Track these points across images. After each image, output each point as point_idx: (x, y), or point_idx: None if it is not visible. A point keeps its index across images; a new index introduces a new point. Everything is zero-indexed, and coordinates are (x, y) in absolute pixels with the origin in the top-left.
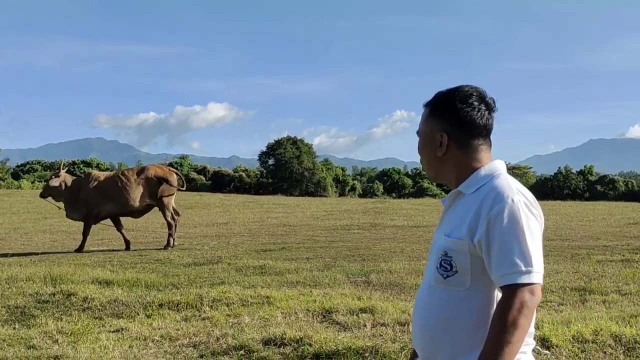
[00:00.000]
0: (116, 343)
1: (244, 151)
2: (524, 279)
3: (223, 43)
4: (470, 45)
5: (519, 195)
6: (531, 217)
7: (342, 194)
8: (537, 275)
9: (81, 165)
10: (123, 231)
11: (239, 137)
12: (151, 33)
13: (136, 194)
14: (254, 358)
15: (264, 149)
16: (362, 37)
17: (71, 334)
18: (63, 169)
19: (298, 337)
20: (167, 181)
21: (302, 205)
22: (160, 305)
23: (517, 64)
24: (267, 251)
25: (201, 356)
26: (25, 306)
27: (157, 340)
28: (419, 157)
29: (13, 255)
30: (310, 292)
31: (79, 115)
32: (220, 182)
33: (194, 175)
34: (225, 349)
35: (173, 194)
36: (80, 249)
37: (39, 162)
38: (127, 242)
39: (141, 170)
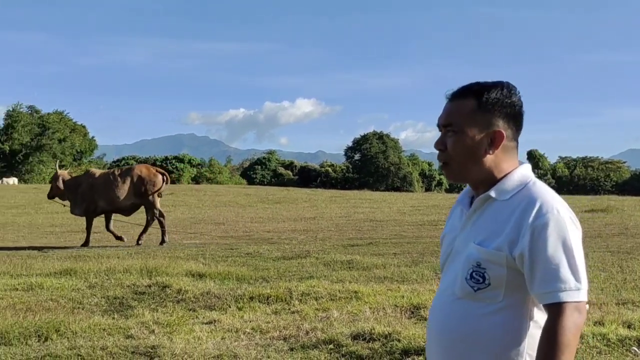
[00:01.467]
0: (209, 334)
1: (330, 146)
2: (574, 297)
3: (310, 39)
4: (555, 37)
5: (563, 206)
6: (575, 230)
7: (428, 189)
8: (584, 292)
9: (173, 161)
10: (111, 228)
11: (326, 133)
12: (240, 30)
13: (122, 192)
14: (343, 352)
15: (350, 144)
16: (446, 30)
17: (166, 324)
18: (59, 168)
19: (386, 332)
20: (152, 181)
21: (389, 200)
22: (251, 298)
23: (609, 55)
24: (354, 246)
25: (291, 349)
26: (123, 297)
27: (249, 333)
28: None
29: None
30: (398, 287)
31: (171, 112)
32: (307, 177)
33: (281, 170)
34: (314, 343)
35: (158, 193)
36: (86, 244)
37: (133, 158)
38: (119, 238)
39: (128, 170)
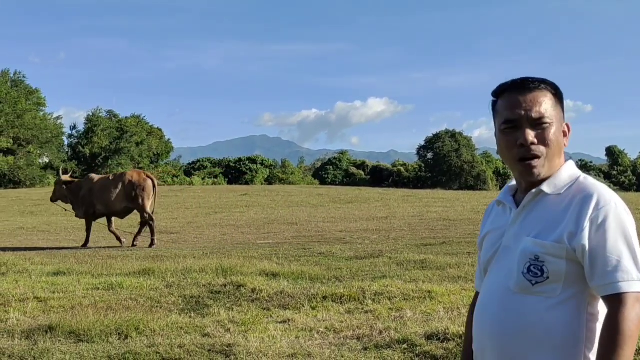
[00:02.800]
0: (283, 333)
1: (402, 145)
2: (636, 287)
3: (382, 38)
4: (637, 30)
5: (618, 199)
6: (633, 222)
7: (503, 187)
8: None
9: (247, 162)
10: (113, 229)
11: (397, 132)
12: (312, 31)
13: (116, 196)
14: (417, 352)
15: (422, 142)
16: (522, 25)
17: (242, 323)
18: (63, 174)
19: (461, 332)
20: (142, 186)
21: (462, 199)
22: (324, 297)
23: None
24: (427, 245)
25: (365, 349)
26: (199, 296)
27: (322, 332)
28: (537, 148)
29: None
30: (473, 287)
31: (245, 114)
32: (379, 176)
33: (353, 170)
34: (388, 343)
35: (150, 195)
36: (85, 244)
37: (208, 160)
38: (119, 239)
39: (120, 175)
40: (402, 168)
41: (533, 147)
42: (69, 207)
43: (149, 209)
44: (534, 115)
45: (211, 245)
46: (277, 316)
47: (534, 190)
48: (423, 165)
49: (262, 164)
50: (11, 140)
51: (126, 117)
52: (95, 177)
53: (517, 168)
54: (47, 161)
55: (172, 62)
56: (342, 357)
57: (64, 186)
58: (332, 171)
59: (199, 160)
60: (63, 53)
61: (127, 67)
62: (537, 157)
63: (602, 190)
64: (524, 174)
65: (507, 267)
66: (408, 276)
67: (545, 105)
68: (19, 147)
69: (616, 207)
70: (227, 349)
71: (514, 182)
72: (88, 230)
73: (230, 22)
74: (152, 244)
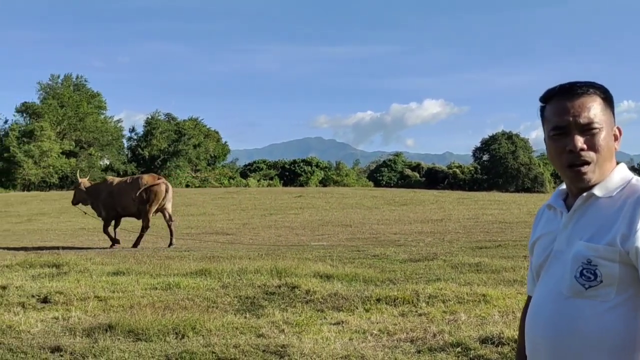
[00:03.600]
0: (337, 335)
1: (458, 147)
2: None
3: (436, 39)
4: None
5: None
6: None
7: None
8: None
9: (302, 164)
10: (117, 229)
11: (453, 133)
12: (367, 34)
13: (131, 198)
14: (471, 356)
15: (478, 144)
16: (581, 23)
17: (296, 324)
18: (80, 177)
19: (516, 336)
20: (154, 190)
21: (519, 201)
22: (378, 299)
23: None
24: (482, 248)
25: (418, 351)
26: (254, 297)
27: (376, 334)
28: (583, 153)
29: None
30: None
31: (300, 116)
32: (434, 178)
33: (408, 172)
34: (442, 346)
35: (159, 200)
36: (115, 243)
37: (264, 162)
38: (117, 240)
39: (136, 179)
40: (457, 170)
41: (583, 153)
42: (89, 209)
43: (151, 214)
44: (583, 120)
45: (266, 247)
46: (331, 318)
47: (585, 194)
48: (479, 167)
49: (316, 165)
50: (73, 143)
51: (184, 120)
52: (114, 180)
53: (567, 174)
54: (108, 163)
55: (229, 65)
56: (396, 359)
57: (84, 190)
58: (387, 173)
59: (254, 162)
60: (125, 57)
61: (185, 70)
62: (587, 163)
63: None
64: (574, 180)
65: (559, 272)
66: (462, 279)
67: (594, 110)
68: (81, 149)
69: None
70: (281, 349)
71: (564, 186)
72: (107, 231)
73: (286, 24)
74: (135, 244)
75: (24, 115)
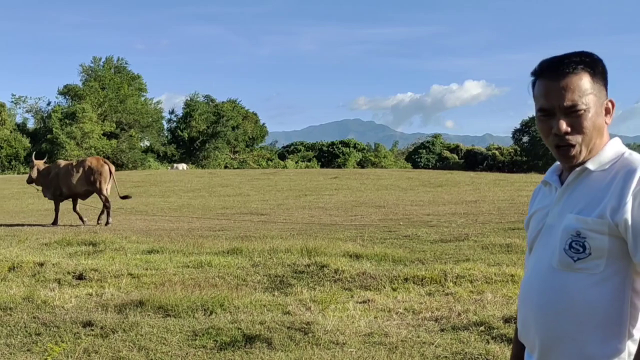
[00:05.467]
0: (362, 313)
1: (498, 129)
2: None
3: (479, 20)
4: None
5: None
6: None
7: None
8: None
9: (339, 145)
10: (77, 210)
11: (493, 115)
12: (406, 14)
13: (77, 180)
14: (493, 335)
15: (518, 126)
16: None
17: (322, 302)
18: (35, 159)
19: None
20: (99, 171)
21: None
22: (406, 279)
23: None
24: (515, 229)
25: (442, 330)
26: (283, 275)
27: (401, 313)
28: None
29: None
30: None
31: (339, 98)
32: (472, 160)
33: (446, 153)
34: (465, 324)
35: (107, 180)
36: (54, 223)
37: (301, 143)
38: (82, 219)
39: (81, 162)
40: (496, 152)
41: (568, 136)
42: (40, 188)
43: (104, 191)
44: (567, 103)
45: (298, 227)
46: (358, 296)
47: (578, 169)
48: (519, 149)
49: (354, 147)
50: (114, 125)
51: (222, 102)
52: (62, 162)
53: (555, 154)
54: (148, 144)
55: (268, 47)
56: (419, 337)
57: (36, 170)
58: (425, 155)
59: (292, 144)
60: (167, 40)
61: (225, 53)
62: (572, 145)
63: None
64: (562, 160)
65: (550, 245)
66: (492, 260)
67: (579, 90)
68: (122, 131)
69: None
70: (305, 326)
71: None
72: (56, 210)
73: (325, 6)
74: (107, 223)
75: (67, 97)
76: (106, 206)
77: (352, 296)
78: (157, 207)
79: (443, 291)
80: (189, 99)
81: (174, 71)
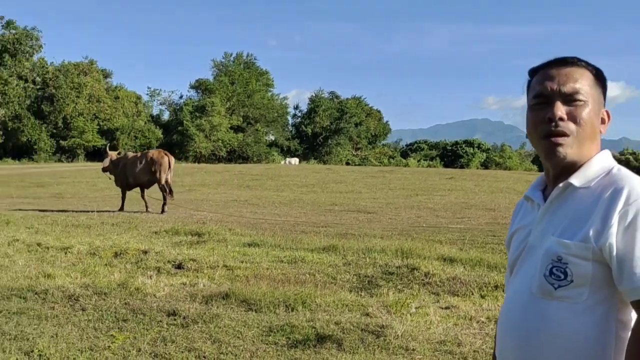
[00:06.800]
0: (442, 320)
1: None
2: None
3: (617, 18)
4: None
5: None
6: None
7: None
8: None
9: (463, 145)
10: (145, 197)
11: (632, 118)
12: (540, 12)
13: (140, 170)
14: None
15: None
16: None
17: (404, 306)
18: (109, 150)
19: None
20: (159, 162)
21: None
22: (496, 286)
23: None
24: None
25: None
26: (373, 276)
27: (482, 322)
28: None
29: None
30: None
31: (468, 97)
32: None
33: None
34: None
35: (165, 171)
36: (121, 209)
37: (425, 142)
38: (147, 207)
39: (144, 154)
40: (630, 157)
41: (561, 123)
42: (113, 177)
43: (163, 181)
44: (567, 90)
45: (401, 227)
46: (444, 301)
47: (561, 184)
48: None
49: (478, 147)
50: (241, 118)
51: (347, 99)
52: (130, 154)
53: (542, 146)
54: (273, 139)
55: (396, 44)
56: (491, 348)
57: (109, 161)
58: None
59: (416, 142)
60: (298, 36)
61: (354, 49)
62: (565, 134)
63: (635, 182)
64: (548, 153)
65: (531, 269)
66: None
67: (582, 82)
68: (248, 125)
69: None
70: (379, 329)
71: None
72: (123, 198)
73: (457, 3)
74: (162, 211)
75: (198, 91)
76: (164, 194)
77: (437, 301)
78: (269, 200)
79: None
80: (313, 95)
81: (304, 67)
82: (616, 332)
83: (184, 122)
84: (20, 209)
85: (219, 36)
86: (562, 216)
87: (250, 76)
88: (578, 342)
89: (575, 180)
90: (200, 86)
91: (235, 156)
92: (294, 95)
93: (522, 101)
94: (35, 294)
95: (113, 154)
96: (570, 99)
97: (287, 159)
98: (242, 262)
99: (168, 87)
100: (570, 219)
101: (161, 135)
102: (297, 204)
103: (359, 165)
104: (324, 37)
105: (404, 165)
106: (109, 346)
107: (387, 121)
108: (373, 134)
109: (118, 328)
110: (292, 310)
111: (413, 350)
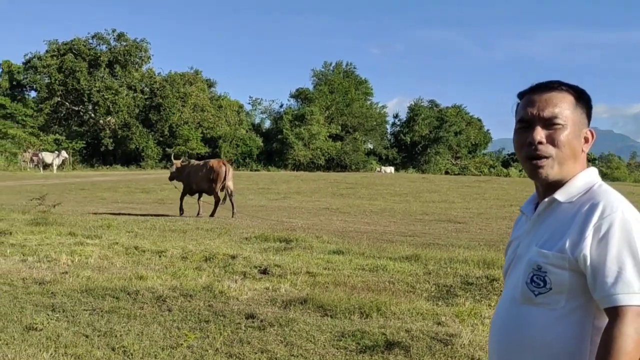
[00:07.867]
0: None
1: None
2: (636, 301)
3: None
4: None
5: (629, 207)
6: None
7: None
8: None
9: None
10: (200, 202)
11: None
12: None
13: (201, 178)
14: None
15: None
16: None
17: (478, 316)
18: (174, 159)
19: None
20: (216, 171)
21: None
22: None
23: None
24: None
25: None
26: (452, 285)
27: None
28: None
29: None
30: None
31: None
32: None
33: None
34: None
35: (222, 180)
36: (181, 213)
37: None
38: (199, 211)
39: (205, 162)
40: None
41: (540, 146)
42: (179, 185)
43: (218, 189)
44: (546, 114)
45: (489, 237)
46: None
47: (547, 199)
48: None
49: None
50: (340, 127)
51: (447, 107)
52: (194, 162)
53: (526, 167)
54: (371, 147)
55: (501, 51)
56: None
57: (175, 169)
58: None
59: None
60: (401, 44)
61: (451, 57)
62: (545, 157)
63: (611, 197)
64: (532, 174)
65: (516, 277)
66: None
67: (561, 106)
68: (346, 133)
69: (623, 215)
70: (448, 338)
71: None
72: (181, 201)
73: (563, 9)
74: (212, 214)
75: (298, 100)
76: (216, 201)
77: None
78: (361, 209)
79: None
80: (412, 103)
81: (406, 75)
82: (591, 337)
83: (284, 130)
84: (122, 213)
85: (320, 45)
86: (546, 228)
87: (350, 85)
88: (556, 345)
89: (560, 195)
90: (300, 95)
91: (334, 164)
92: (396, 103)
93: (634, 109)
94: (127, 294)
95: (178, 163)
96: (549, 123)
97: (382, 168)
98: (325, 269)
99: (269, 96)
100: (552, 231)
101: (261, 144)
102: (388, 212)
103: (458, 174)
104: (427, 45)
105: (504, 175)
106: (189, 345)
107: (487, 130)
108: (473, 142)
109: (199, 329)
110: (367, 317)
111: (479, 359)
